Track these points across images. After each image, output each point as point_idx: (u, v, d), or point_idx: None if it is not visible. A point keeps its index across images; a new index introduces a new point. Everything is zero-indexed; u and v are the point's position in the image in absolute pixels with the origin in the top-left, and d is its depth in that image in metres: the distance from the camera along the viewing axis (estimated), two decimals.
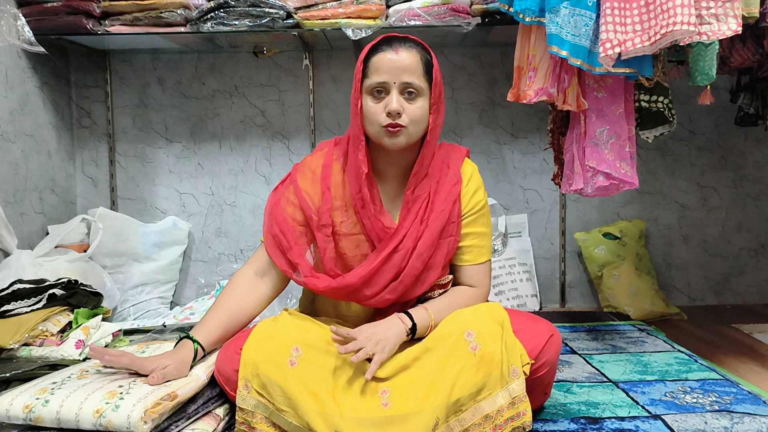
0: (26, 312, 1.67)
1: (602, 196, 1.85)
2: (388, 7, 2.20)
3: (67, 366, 1.47)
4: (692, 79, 1.74)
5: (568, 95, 1.77)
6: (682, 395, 1.57)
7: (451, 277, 1.46)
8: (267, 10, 2.14)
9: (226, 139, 2.63)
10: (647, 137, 1.97)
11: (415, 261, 1.37)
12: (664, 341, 2.05)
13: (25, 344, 1.60)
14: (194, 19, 2.18)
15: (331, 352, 1.28)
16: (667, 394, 1.58)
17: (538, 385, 1.34)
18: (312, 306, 1.53)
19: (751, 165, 2.65)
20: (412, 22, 2.14)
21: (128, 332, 1.88)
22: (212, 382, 1.34)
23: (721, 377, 1.70)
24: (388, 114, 1.33)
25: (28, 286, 1.74)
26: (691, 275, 2.67)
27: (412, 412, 1.20)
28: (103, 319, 1.82)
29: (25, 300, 1.70)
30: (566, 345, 2.04)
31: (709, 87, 1.77)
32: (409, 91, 1.34)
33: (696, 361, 1.84)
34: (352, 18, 2.16)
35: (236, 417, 1.27)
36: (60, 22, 2.16)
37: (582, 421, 1.42)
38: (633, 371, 1.77)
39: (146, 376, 1.25)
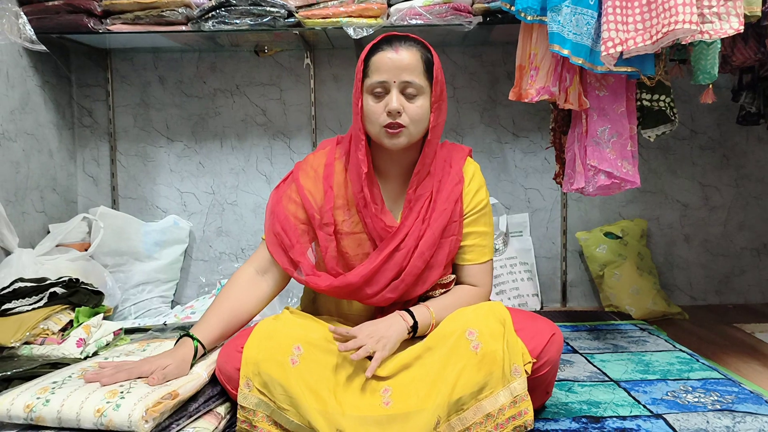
0: (27, 310, 1.67)
1: (604, 195, 1.85)
2: (390, 5, 2.20)
3: (68, 364, 1.47)
4: (694, 77, 1.74)
5: (570, 94, 1.77)
6: (684, 394, 1.57)
7: (453, 276, 1.46)
8: (268, 8, 2.14)
9: (228, 138, 2.63)
10: (649, 136, 1.96)
11: (416, 260, 1.37)
12: (666, 341, 2.05)
13: (26, 343, 1.60)
14: (195, 17, 2.18)
15: (333, 350, 1.28)
16: (668, 394, 1.58)
17: (539, 384, 1.34)
18: (313, 305, 1.53)
19: (753, 164, 2.64)
20: (414, 21, 2.14)
21: (129, 331, 1.88)
22: (213, 380, 1.34)
23: (723, 377, 1.69)
24: (389, 113, 1.33)
25: (29, 284, 1.74)
26: (692, 274, 2.67)
27: (413, 410, 1.19)
28: (104, 318, 1.82)
29: (27, 298, 1.70)
30: (568, 344, 2.03)
31: (711, 86, 1.76)
32: (409, 90, 1.34)
33: (698, 360, 1.84)
34: (354, 17, 2.15)
35: (237, 415, 1.27)
36: (61, 20, 2.16)
37: (583, 420, 1.42)
38: (634, 370, 1.77)
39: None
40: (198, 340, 1.34)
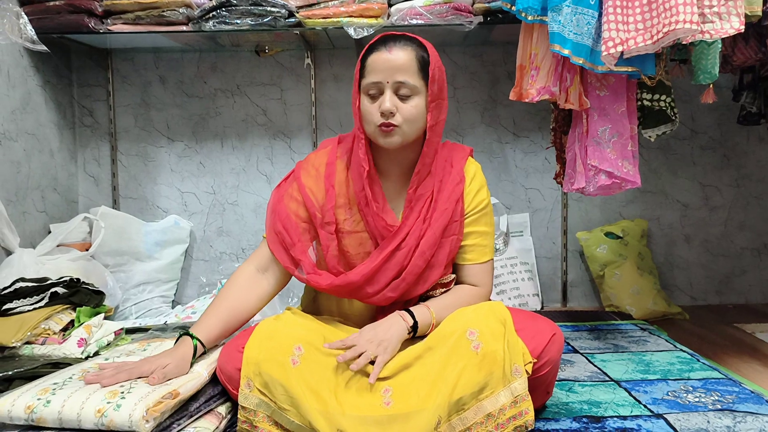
0: (28, 310, 1.68)
1: (604, 195, 1.85)
2: (390, 5, 2.20)
3: (69, 364, 1.48)
4: (695, 77, 1.74)
5: (571, 94, 1.77)
6: (685, 394, 1.57)
7: (453, 276, 1.46)
8: (269, 8, 2.14)
9: (228, 138, 2.63)
10: (649, 136, 1.96)
11: (417, 259, 1.37)
12: (666, 340, 2.05)
13: (28, 342, 1.61)
14: (196, 17, 2.18)
15: (333, 351, 1.28)
16: (669, 393, 1.58)
17: (540, 384, 1.34)
18: (314, 304, 1.53)
19: (754, 164, 2.64)
20: (414, 21, 2.14)
21: (130, 331, 1.88)
22: (214, 379, 1.34)
23: (724, 376, 1.69)
24: (382, 114, 1.33)
25: (30, 284, 1.75)
26: (693, 275, 2.67)
27: (414, 410, 1.19)
28: (105, 318, 1.82)
29: (28, 298, 1.71)
30: (568, 344, 2.03)
31: (711, 86, 1.76)
32: (403, 91, 1.34)
33: (698, 360, 1.84)
34: (354, 17, 2.16)
35: (238, 416, 1.27)
36: (62, 20, 2.16)
37: (584, 420, 1.42)
38: (635, 370, 1.77)
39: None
40: (198, 339, 1.34)
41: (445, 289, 1.44)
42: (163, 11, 2.16)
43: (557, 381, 1.55)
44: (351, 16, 2.16)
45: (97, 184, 2.63)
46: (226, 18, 2.15)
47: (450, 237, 1.41)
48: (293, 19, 2.17)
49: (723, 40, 1.71)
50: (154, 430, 1.15)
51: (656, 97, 1.85)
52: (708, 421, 1.39)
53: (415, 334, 1.34)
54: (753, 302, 2.66)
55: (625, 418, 1.43)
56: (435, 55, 1.39)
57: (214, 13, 2.16)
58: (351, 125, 1.46)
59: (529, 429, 1.24)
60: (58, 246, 2.16)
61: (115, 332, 1.74)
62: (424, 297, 1.44)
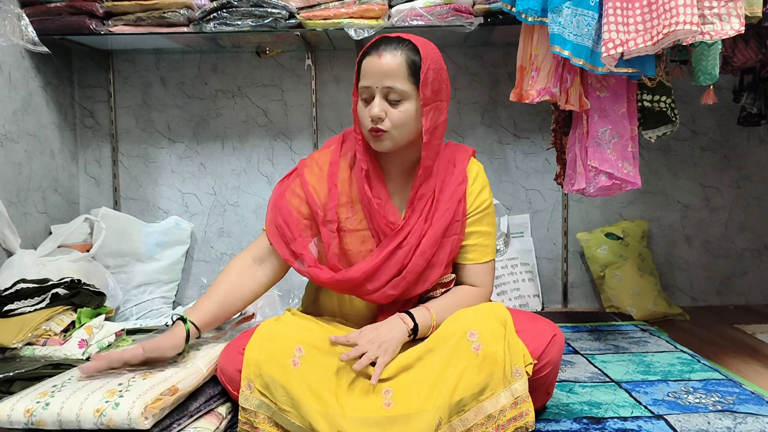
0: (29, 311, 1.68)
1: (604, 196, 1.85)
2: (391, 7, 2.20)
3: (70, 365, 1.48)
4: (695, 78, 1.74)
5: (571, 95, 1.77)
6: (685, 395, 1.57)
7: (453, 276, 1.46)
8: (270, 10, 2.14)
9: (229, 139, 2.64)
10: (650, 137, 1.96)
11: (418, 258, 1.38)
12: (667, 341, 2.05)
13: (29, 344, 1.61)
14: (197, 19, 2.18)
15: (334, 352, 1.28)
16: (669, 395, 1.58)
17: (540, 385, 1.34)
18: (315, 305, 1.54)
19: (754, 165, 2.64)
20: (415, 22, 2.14)
21: (131, 332, 1.88)
22: (214, 380, 1.34)
23: (724, 377, 1.69)
24: (371, 119, 1.34)
25: (31, 285, 1.75)
26: (693, 275, 2.67)
27: (414, 412, 1.20)
28: (106, 319, 1.82)
29: (29, 299, 1.71)
30: (569, 345, 2.04)
31: (711, 87, 1.77)
32: (392, 96, 1.34)
33: (699, 361, 1.84)
34: (355, 18, 2.16)
35: (239, 417, 1.28)
36: (63, 22, 2.17)
37: (585, 421, 1.42)
38: (636, 371, 1.77)
39: (146, 372, 1.25)
40: (191, 322, 1.34)
41: (445, 289, 1.44)
42: (164, 13, 2.16)
43: (558, 382, 1.55)
44: (351, 17, 2.16)
45: (98, 185, 2.64)
46: (226, 19, 2.15)
47: (451, 237, 1.41)
48: (294, 21, 2.17)
49: (723, 41, 1.71)
50: (154, 429, 1.15)
51: (656, 98, 1.85)
52: (708, 422, 1.39)
53: (415, 337, 1.34)
54: (753, 303, 2.66)
55: (625, 419, 1.43)
56: (432, 57, 1.37)
57: (214, 14, 2.16)
58: (351, 126, 1.47)
59: (530, 430, 1.24)
60: (59, 247, 2.16)
61: (116, 333, 1.74)
62: (425, 297, 1.44)
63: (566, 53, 1.67)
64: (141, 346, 1.27)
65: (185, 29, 2.20)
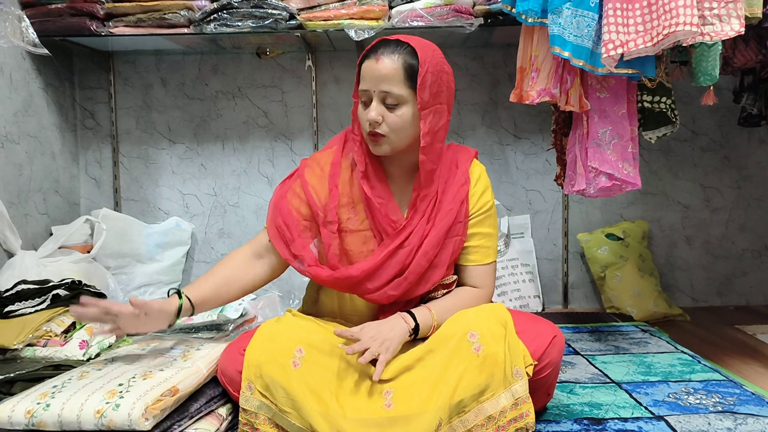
0: (30, 312, 1.68)
1: (605, 196, 1.85)
2: (391, 8, 2.20)
3: (71, 366, 1.48)
4: (695, 79, 1.74)
5: (571, 96, 1.77)
6: (686, 396, 1.57)
7: (455, 277, 1.46)
8: (270, 11, 2.14)
9: (229, 140, 2.64)
10: (650, 138, 1.96)
11: (420, 258, 1.38)
12: (667, 342, 2.05)
13: (29, 345, 1.61)
14: (197, 20, 2.18)
15: (334, 353, 1.28)
16: (670, 395, 1.58)
17: (541, 386, 1.34)
18: (315, 306, 1.54)
19: (755, 166, 2.64)
20: (415, 23, 2.14)
21: (131, 333, 1.88)
22: (215, 381, 1.34)
23: (725, 378, 1.69)
24: (368, 123, 1.35)
25: (32, 286, 1.75)
26: (694, 276, 2.67)
27: (415, 413, 1.20)
28: None
29: (29, 300, 1.71)
30: (569, 346, 2.03)
31: (712, 87, 1.77)
32: (389, 101, 1.34)
33: (699, 362, 1.84)
34: (355, 19, 2.16)
35: (239, 418, 1.28)
36: (64, 23, 2.17)
37: (585, 422, 1.42)
38: (636, 372, 1.77)
39: (146, 372, 1.26)
40: (187, 297, 1.34)
41: (446, 290, 1.44)
42: (165, 14, 2.16)
43: (558, 383, 1.55)
44: (352, 18, 2.16)
45: (99, 186, 2.64)
46: (227, 20, 2.16)
47: (453, 238, 1.41)
48: (294, 22, 2.17)
49: (723, 42, 1.71)
50: (154, 430, 1.15)
51: (657, 98, 1.85)
52: (709, 423, 1.39)
53: (416, 336, 1.34)
54: (754, 304, 2.66)
55: (626, 420, 1.43)
56: (431, 60, 1.35)
57: (215, 15, 2.16)
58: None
59: (530, 431, 1.24)
60: (59, 248, 2.16)
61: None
62: (426, 298, 1.44)
63: (566, 54, 1.68)
64: (131, 299, 1.28)
65: (186, 30, 2.20)
